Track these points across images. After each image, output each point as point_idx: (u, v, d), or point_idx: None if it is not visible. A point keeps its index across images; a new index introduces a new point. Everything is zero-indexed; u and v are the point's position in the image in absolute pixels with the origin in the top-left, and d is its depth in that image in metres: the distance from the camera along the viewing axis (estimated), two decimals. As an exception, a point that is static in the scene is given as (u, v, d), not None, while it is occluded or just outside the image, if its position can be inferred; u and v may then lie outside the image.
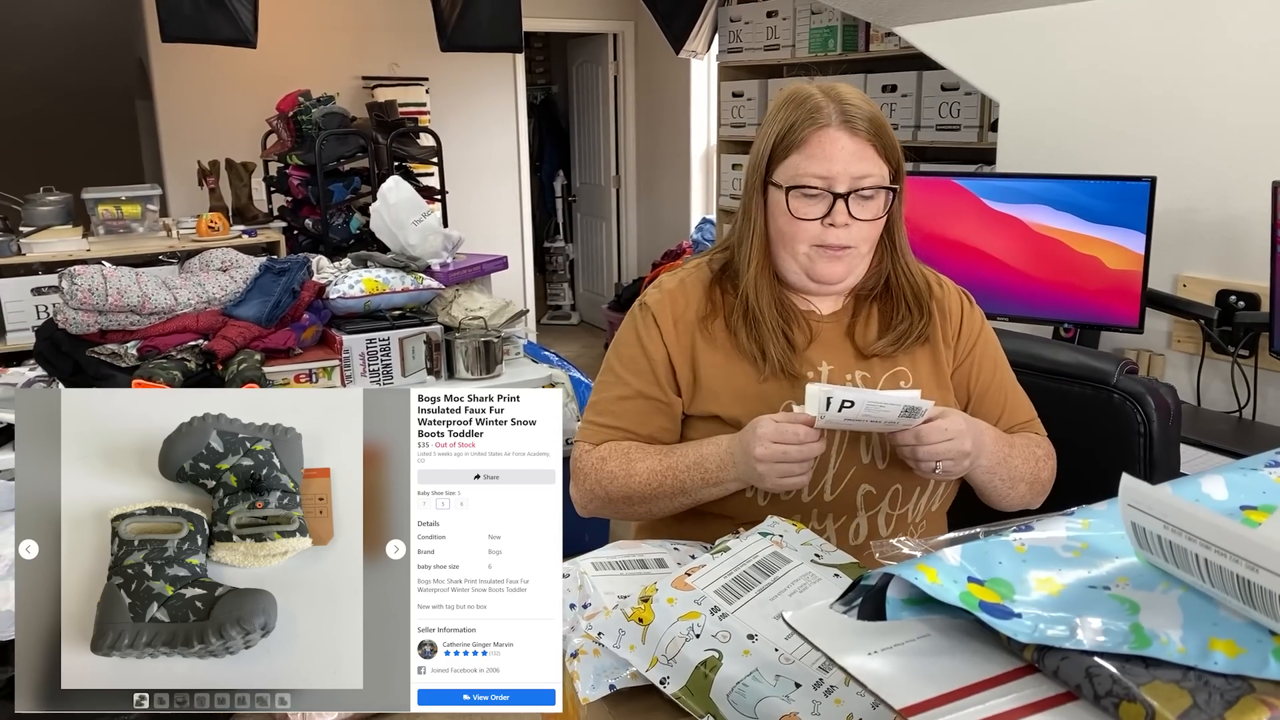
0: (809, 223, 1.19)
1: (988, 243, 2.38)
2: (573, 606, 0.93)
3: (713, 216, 5.66)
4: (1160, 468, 1.54)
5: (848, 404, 1.04)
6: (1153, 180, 2.16)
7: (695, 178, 6.53)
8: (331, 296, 3.00)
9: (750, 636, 0.77)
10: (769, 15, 4.68)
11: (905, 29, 2.96)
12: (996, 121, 3.47)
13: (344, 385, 2.86)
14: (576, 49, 7.34)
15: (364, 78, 5.75)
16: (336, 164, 4.33)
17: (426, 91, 5.88)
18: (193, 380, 2.65)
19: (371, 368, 2.97)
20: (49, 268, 3.79)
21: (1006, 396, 1.34)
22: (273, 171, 4.79)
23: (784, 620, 0.58)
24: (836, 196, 1.18)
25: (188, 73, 5.26)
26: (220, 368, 2.73)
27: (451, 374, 3.06)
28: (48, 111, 7.09)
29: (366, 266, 3.16)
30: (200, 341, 2.78)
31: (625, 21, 6.80)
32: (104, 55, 7.02)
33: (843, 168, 1.17)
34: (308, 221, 4.42)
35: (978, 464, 1.18)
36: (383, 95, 5.47)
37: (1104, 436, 1.53)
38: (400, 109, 5.05)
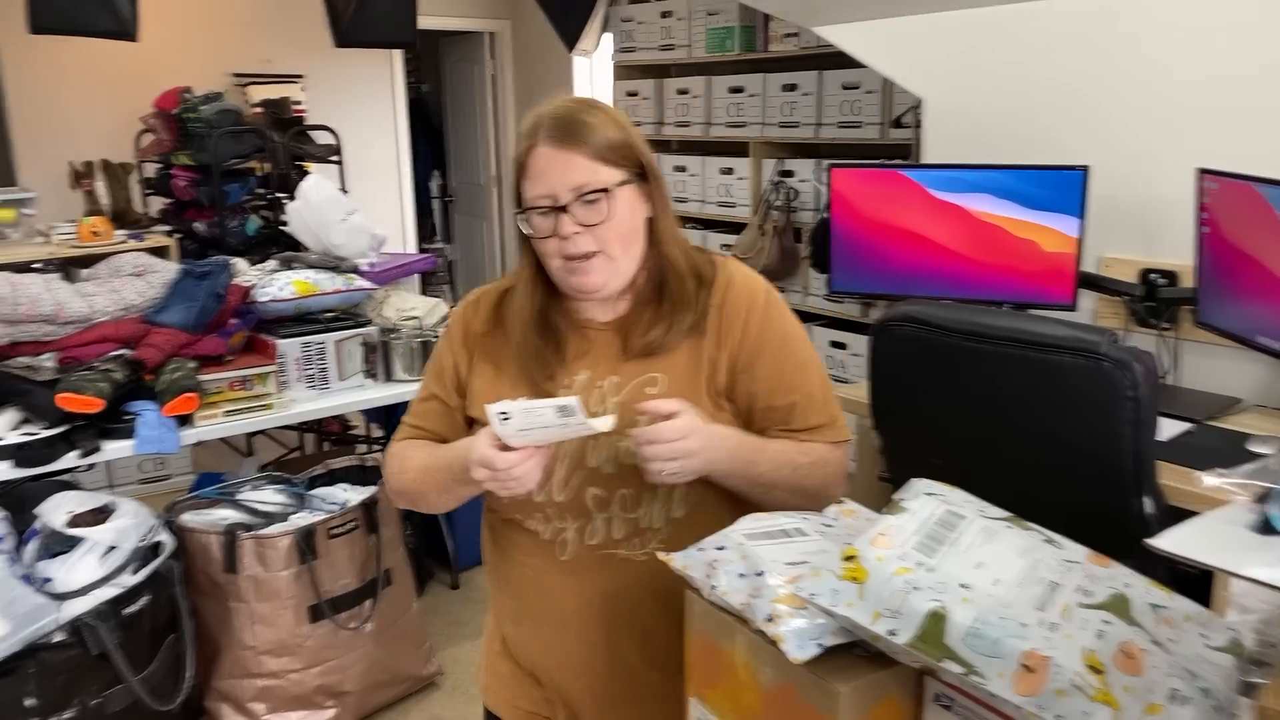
0: (549, 239, 1.21)
1: (931, 229, 2.53)
2: (742, 576, 0.96)
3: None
4: (1147, 427, 1.69)
5: (505, 416, 1.08)
6: (1086, 169, 2.35)
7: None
8: (260, 300, 2.87)
9: (963, 585, 0.82)
10: (664, 15, 4.76)
11: (826, 29, 3.09)
12: (900, 118, 3.67)
13: (279, 391, 2.74)
14: (450, 47, 7.22)
15: (236, 74, 5.49)
16: (230, 163, 4.12)
17: (303, 90, 5.67)
18: (121, 392, 2.48)
19: (308, 372, 2.86)
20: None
21: (794, 402, 1.26)
22: (150, 173, 4.51)
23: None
24: (559, 209, 1.19)
25: (40, 67, 4.88)
26: (150, 377, 2.57)
27: (389, 376, 2.98)
28: None
29: (292, 268, 3.03)
30: (125, 351, 2.60)
31: (502, 20, 6.74)
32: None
33: (558, 180, 1.18)
34: (197, 225, 4.19)
35: (715, 468, 1.17)
36: (257, 93, 5.24)
37: (1095, 402, 1.67)
38: (295, 108, 4.85)
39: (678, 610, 1.12)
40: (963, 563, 0.85)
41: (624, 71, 5.07)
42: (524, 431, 1.10)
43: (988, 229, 2.47)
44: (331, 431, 4.06)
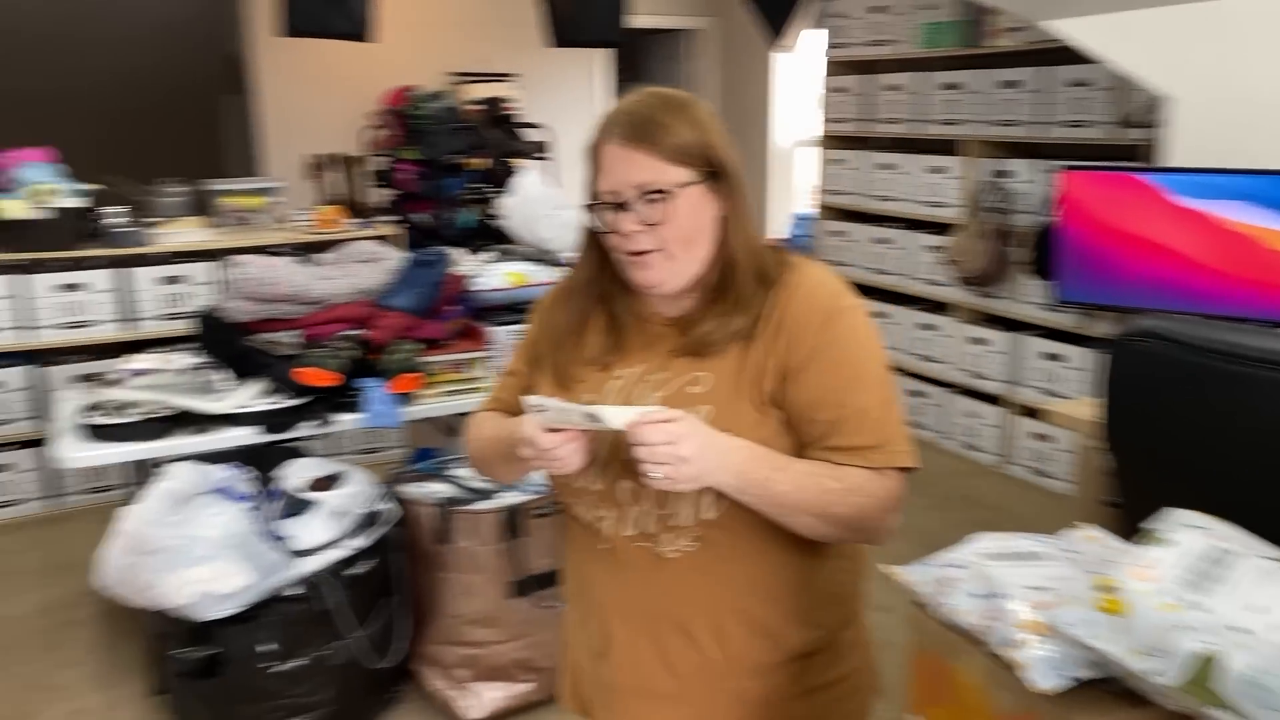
0: (614, 235, 1.24)
1: (1172, 238, 2.35)
2: (979, 596, 0.92)
3: (811, 212, 5.63)
4: None
5: (540, 409, 1.15)
6: (1360, 175, 2.13)
7: (778, 175, 6.51)
8: (476, 289, 3.01)
9: (1239, 629, 0.76)
10: (876, 10, 4.65)
11: (1057, 23, 2.92)
12: (1132, 117, 3.43)
13: (489, 375, 2.87)
14: (655, 45, 7.33)
15: (454, 73, 5.79)
16: (450, 158, 4.35)
17: (516, 88, 5.91)
18: (352, 369, 2.68)
19: (517, 360, 2.98)
20: (173, 257, 3.85)
21: (838, 418, 1.18)
22: (376, 166, 4.82)
23: None
24: (619, 206, 1.21)
25: (288, 68, 5.32)
26: (376, 357, 2.75)
27: (593, 367, 3.07)
28: (130, 108, 7.17)
29: (507, 260, 3.17)
30: (356, 331, 2.80)
31: (708, 17, 6.78)
32: (188, 53, 7.10)
33: (623, 178, 1.20)
34: (417, 216, 4.44)
35: (719, 480, 1.13)
36: (474, 92, 5.50)
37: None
38: (505, 106, 5.06)
39: (713, 612, 1.23)
40: (1237, 604, 0.79)
41: (834, 68, 4.99)
42: (558, 423, 1.16)
43: (1238, 239, 2.27)
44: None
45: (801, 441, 1.20)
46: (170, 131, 7.14)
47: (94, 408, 2.50)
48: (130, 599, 2.27)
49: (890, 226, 4.67)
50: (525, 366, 1.41)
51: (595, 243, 1.29)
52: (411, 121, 4.41)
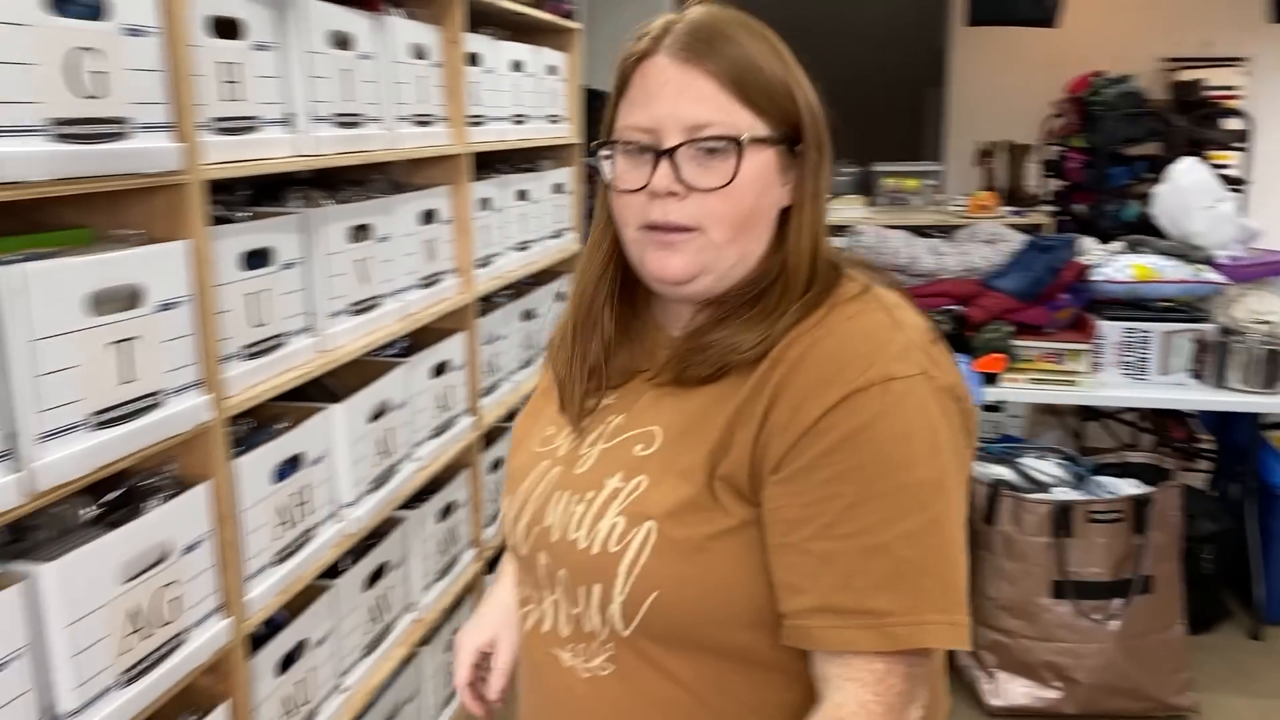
0: (633, 195, 0.83)
1: None
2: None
3: None
4: None
5: None
6: None
7: None
8: (1095, 279, 2.86)
9: None
10: None
11: None
12: None
13: (1092, 372, 2.72)
14: None
15: (1168, 59, 5.30)
16: (1121, 147, 4.09)
17: (1244, 74, 5.19)
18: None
19: (1125, 359, 2.76)
20: (836, 230, 4.31)
21: (835, 551, 0.74)
22: (1049, 155, 4.71)
23: None
24: (660, 155, 0.80)
25: (982, 58, 5.44)
26: (970, 334, 2.81)
27: (1220, 381, 2.69)
28: (853, 97, 7.96)
29: (1138, 251, 2.93)
30: (956, 307, 2.88)
31: None
32: (902, 48, 7.64)
33: (669, 108, 0.80)
34: (1077, 207, 4.27)
35: None
36: (1188, 77, 4.98)
37: None
38: (1205, 91, 4.54)
39: None
40: None
41: None
42: None
43: None
44: (1175, 438, 3.80)
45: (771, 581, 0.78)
46: (882, 120, 7.80)
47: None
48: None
49: None
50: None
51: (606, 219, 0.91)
52: (1089, 107, 4.22)
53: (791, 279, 0.82)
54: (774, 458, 0.76)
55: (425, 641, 2.04)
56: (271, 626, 1.51)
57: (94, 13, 1.09)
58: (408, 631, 1.94)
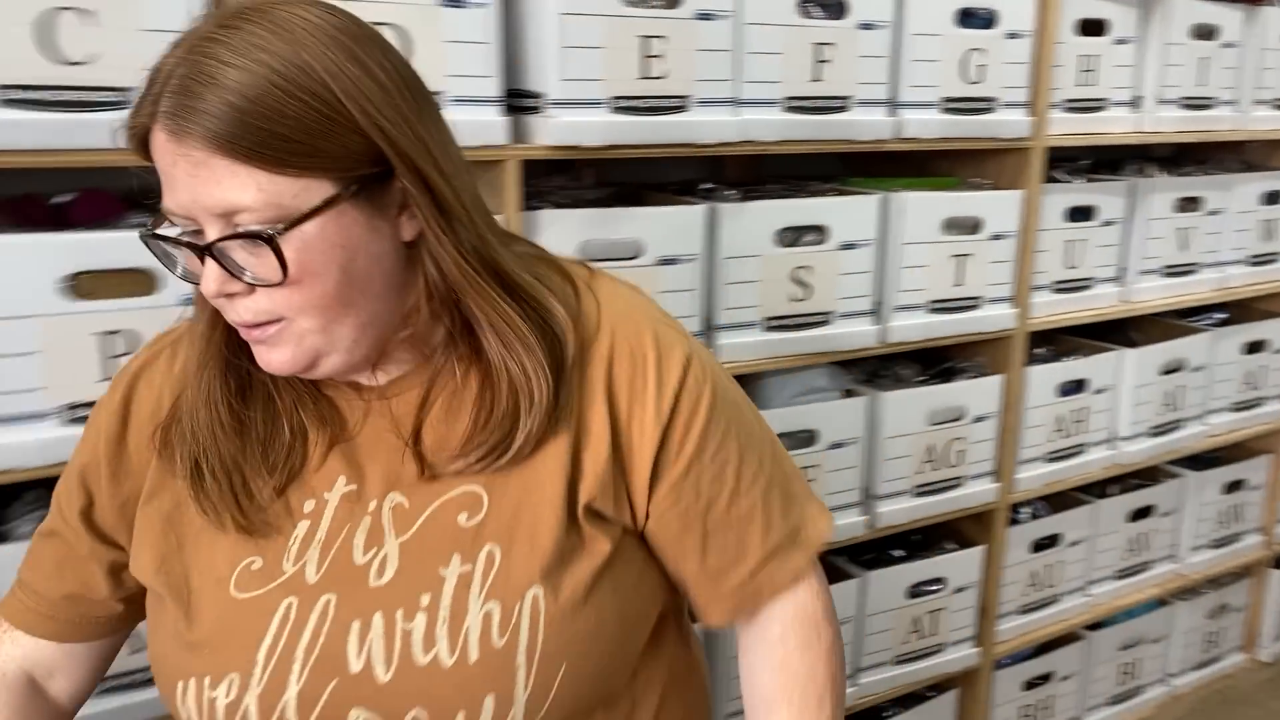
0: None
1: None
2: None
3: None
4: None
5: None
6: None
7: None
8: None
9: None
10: None
11: None
12: None
13: None
14: None
15: None
16: None
17: None
18: None
19: None
20: None
21: (734, 518, 0.74)
22: None
23: None
24: (202, 252, 0.61)
25: None
26: None
27: None
28: None
29: None
30: None
31: None
32: None
33: (189, 200, 0.59)
34: None
35: None
36: None
37: None
38: None
39: None
40: None
41: None
42: None
43: None
44: None
45: (673, 564, 0.75)
46: None
47: None
48: None
49: None
50: (68, 517, 0.75)
51: None
52: None
53: (502, 323, 0.66)
54: (651, 453, 0.70)
55: (1182, 596, 2.16)
56: (1031, 513, 1.88)
57: (987, 23, 1.56)
58: (1165, 578, 2.09)
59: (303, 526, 0.68)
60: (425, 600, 0.64)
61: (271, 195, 0.58)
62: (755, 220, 1.41)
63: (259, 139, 0.56)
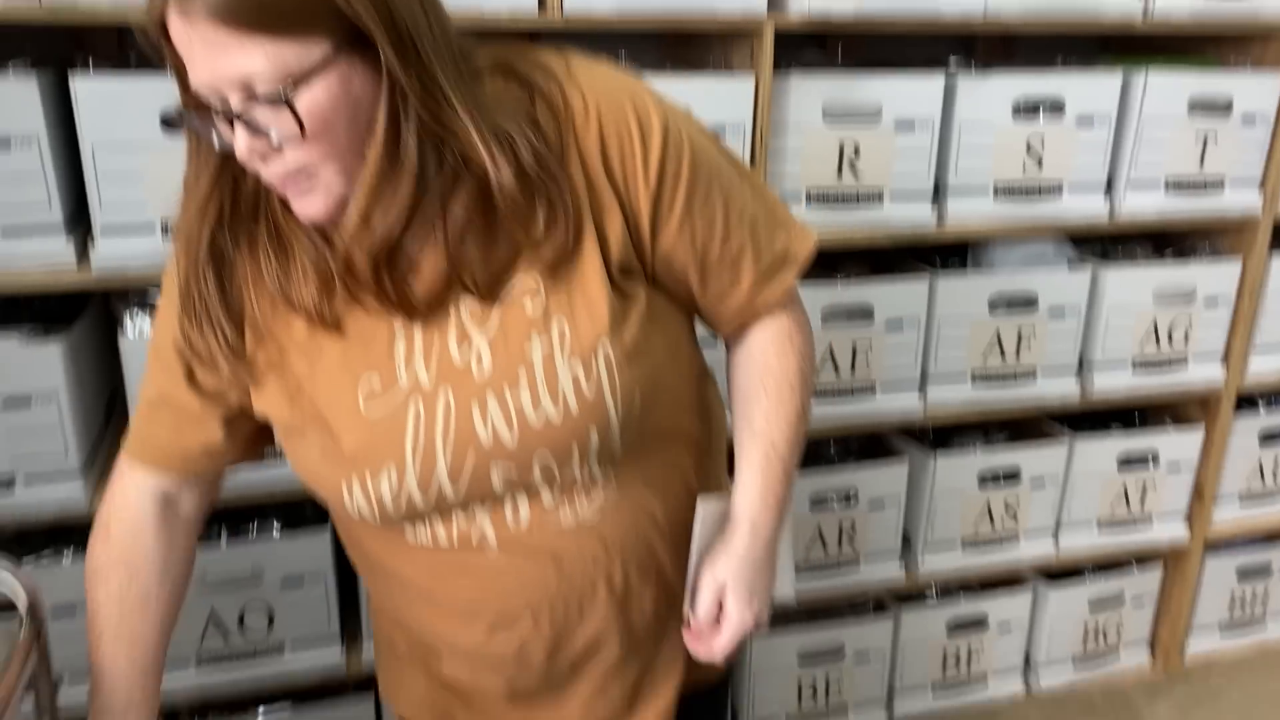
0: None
1: None
2: None
3: None
4: None
5: None
6: None
7: None
8: None
9: None
10: None
11: None
12: None
13: None
14: None
15: None
16: None
17: None
18: None
19: None
20: None
21: (734, 249, 0.86)
22: None
23: None
24: (232, 119, 0.71)
25: None
26: None
27: None
28: None
29: None
30: None
31: None
32: None
33: (209, 77, 0.69)
34: None
35: (774, 538, 0.90)
36: None
37: None
38: None
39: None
40: None
41: None
42: None
43: None
44: None
45: (681, 298, 0.89)
46: None
47: None
48: None
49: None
50: (189, 379, 0.85)
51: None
52: None
53: (492, 167, 0.74)
54: (647, 215, 0.81)
55: None
56: (1265, 404, 1.88)
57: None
58: None
59: (400, 346, 0.79)
60: (523, 375, 0.78)
61: (277, 61, 0.67)
62: (993, 92, 1.52)
63: (255, 4, 0.65)
